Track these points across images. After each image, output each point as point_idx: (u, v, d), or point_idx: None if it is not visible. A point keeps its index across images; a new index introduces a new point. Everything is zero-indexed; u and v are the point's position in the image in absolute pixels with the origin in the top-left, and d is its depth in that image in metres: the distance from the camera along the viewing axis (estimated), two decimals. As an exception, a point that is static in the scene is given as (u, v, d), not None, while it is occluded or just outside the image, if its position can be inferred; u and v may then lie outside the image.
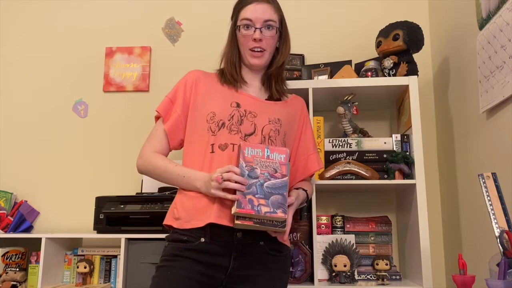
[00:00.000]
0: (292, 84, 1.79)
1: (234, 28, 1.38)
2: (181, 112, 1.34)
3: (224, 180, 1.15)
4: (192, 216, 1.24)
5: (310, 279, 1.70)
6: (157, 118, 1.39)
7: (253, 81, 1.41)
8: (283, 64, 1.42)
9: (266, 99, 1.39)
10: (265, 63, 1.38)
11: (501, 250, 1.02)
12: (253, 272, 1.23)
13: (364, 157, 1.76)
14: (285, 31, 1.42)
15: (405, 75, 1.76)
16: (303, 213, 1.85)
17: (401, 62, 1.77)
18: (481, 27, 1.55)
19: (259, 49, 1.33)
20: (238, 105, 1.32)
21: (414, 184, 1.67)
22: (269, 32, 1.34)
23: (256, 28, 1.32)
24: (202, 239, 1.21)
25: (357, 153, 1.76)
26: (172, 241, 1.25)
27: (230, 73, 1.37)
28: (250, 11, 1.33)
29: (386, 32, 1.82)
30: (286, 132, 1.36)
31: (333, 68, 1.94)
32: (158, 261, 1.26)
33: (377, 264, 1.72)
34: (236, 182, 1.15)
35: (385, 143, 1.77)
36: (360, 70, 1.91)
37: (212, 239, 1.21)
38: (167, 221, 1.30)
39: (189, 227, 1.22)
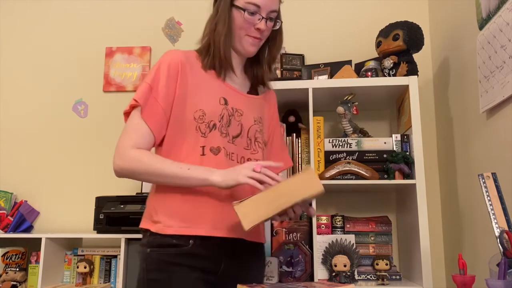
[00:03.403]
0: (292, 84, 1.79)
1: (231, 5, 1.22)
2: (166, 105, 1.17)
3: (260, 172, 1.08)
4: (175, 222, 1.13)
5: (310, 279, 1.70)
6: (132, 107, 1.18)
7: (236, 69, 1.29)
8: (274, 53, 1.33)
9: (248, 92, 1.31)
10: (256, 51, 1.28)
11: (501, 250, 1.02)
12: (238, 268, 1.19)
13: (364, 157, 1.76)
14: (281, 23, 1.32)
15: (405, 75, 1.76)
16: (303, 213, 1.86)
17: (401, 62, 1.77)
18: (481, 27, 1.55)
19: (258, 39, 1.24)
20: (226, 102, 1.21)
21: (414, 184, 1.67)
22: (270, 23, 1.24)
23: (262, 17, 1.20)
24: (191, 241, 1.12)
25: (357, 153, 1.76)
26: (158, 247, 1.12)
27: (221, 57, 1.22)
28: None
29: (386, 32, 1.82)
30: (264, 130, 1.32)
31: (333, 68, 1.94)
32: (143, 273, 1.12)
33: (377, 264, 1.72)
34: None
35: (385, 143, 1.77)
36: (360, 70, 1.91)
37: (203, 240, 1.12)
38: (144, 224, 1.18)
39: (171, 233, 1.12)
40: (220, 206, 1.14)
